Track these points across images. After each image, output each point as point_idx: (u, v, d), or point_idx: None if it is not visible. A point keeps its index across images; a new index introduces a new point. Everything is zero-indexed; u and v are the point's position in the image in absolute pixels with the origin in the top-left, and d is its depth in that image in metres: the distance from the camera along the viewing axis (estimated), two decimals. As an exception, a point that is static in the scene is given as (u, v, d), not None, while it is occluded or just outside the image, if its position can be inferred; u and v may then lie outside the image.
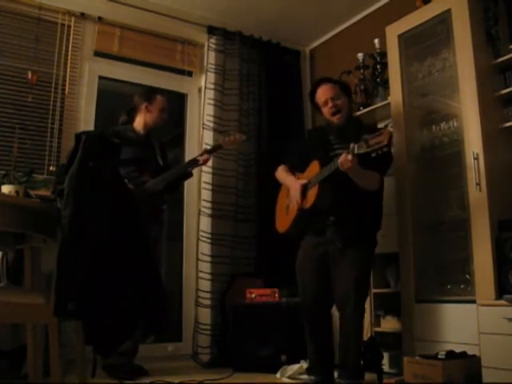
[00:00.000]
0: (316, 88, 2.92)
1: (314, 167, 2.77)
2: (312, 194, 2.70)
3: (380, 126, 3.77)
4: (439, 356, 2.55)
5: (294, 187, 2.81)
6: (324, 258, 2.74)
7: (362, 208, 2.69)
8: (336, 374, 2.72)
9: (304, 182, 2.76)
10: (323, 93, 2.85)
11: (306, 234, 2.86)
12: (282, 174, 3.01)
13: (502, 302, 2.48)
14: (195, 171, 3.90)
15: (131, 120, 3.31)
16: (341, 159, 2.48)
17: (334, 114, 2.81)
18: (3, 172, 2.56)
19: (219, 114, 4.08)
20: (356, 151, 2.41)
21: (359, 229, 2.70)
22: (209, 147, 3.58)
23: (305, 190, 2.76)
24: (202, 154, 3.32)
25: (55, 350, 1.91)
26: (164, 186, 3.17)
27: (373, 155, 2.35)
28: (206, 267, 3.81)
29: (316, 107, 2.95)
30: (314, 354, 2.78)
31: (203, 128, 4.04)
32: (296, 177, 2.88)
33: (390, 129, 2.36)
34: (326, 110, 2.84)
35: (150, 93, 3.33)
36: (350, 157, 2.43)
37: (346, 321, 2.62)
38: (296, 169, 2.93)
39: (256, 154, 4.19)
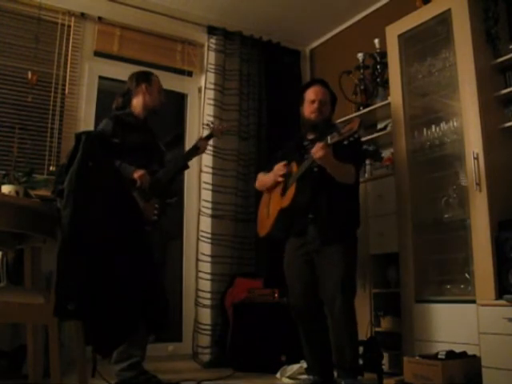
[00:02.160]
0: (312, 84, 2.96)
1: (292, 168, 2.81)
2: (290, 192, 2.74)
3: (380, 126, 3.78)
4: (439, 356, 2.55)
5: (276, 169, 2.87)
6: (308, 258, 2.75)
7: (340, 205, 2.73)
8: (335, 374, 2.73)
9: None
10: (315, 92, 2.89)
11: (288, 236, 2.87)
12: (261, 177, 3.07)
13: (502, 302, 2.48)
14: (195, 171, 3.90)
15: (126, 104, 3.10)
16: (314, 149, 2.56)
17: (314, 115, 2.86)
18: (3, 172, 2.56)
19: (219, 114, 4.08)
20: (329, 141, 2.51)
21: (338, 225, 2.72)
22: (204, 135, 3.46)
23: (282, 191, 2.82)
24: (199, 141, 3.20)
25: (55, 350, 1.91)
26: (171, 176, 3.07)
27: (345, 142, 2.47)
28: (205, 267, 3.81)
29: (300, 100, 2.96)
30: (309, 355, 2.78)
31: (203, 128, 4.04)
32: None
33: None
34: (309, 108, 2.88)
35: (146, 74, 3.16)
36: (321, 144, 2.51)
37: (335, 320, 2.61)
38: None
39: (256, 153, 4.20)
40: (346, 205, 2.78)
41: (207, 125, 3.44)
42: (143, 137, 3.02)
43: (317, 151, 2.53)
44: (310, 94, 2.90)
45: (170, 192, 3.11)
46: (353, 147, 2.66)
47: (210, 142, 3.43)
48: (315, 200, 2.73)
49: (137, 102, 3.07)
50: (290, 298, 2.86)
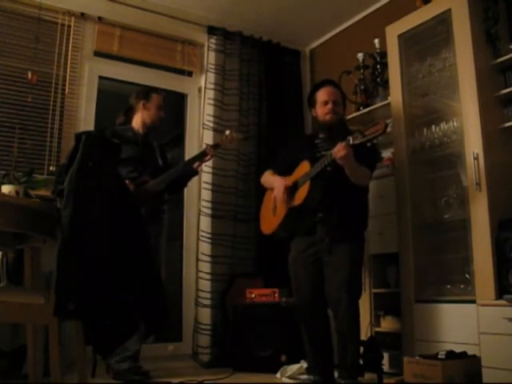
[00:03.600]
0: (322, 86, 2.93)
1: (303, 166, 2.79)
2: (303, 191, 2.72)
3: (380, 126, 3.78)
4: (439, 356, 2.55)
5: (278, 187, 2.84)
6: (315, 258, 2.75)
7: (349, 206, 2.72)
8: (336, 374, 2.73)
9: (289, 183, 2.80)
10: (328, 93, 2.87)
11: (295, 235, 2.87)
12: (267, 176, 3.04)
13: (502, 302, 2.48)
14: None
15: (129, 120, 3.29)
16: (335, 148, 2.52)
17: (329, 116, 2.84)
18: (3, 172, 2.56)
19: (219, 113, 4.08)
20: (351, 142, 2.48)
21: (347, 225, 2.72)
22: (210, 144, 3.53)
23: (291, 190, 2.79)
24: (206, 150, 3.27)
25: (55, 350, 1.91)
26: (165, 186, 3.15)
27: (368, 144, 2.47)
28: (206, 267, 3.81)
29: (310, 103, 2.96)
30: (311, 354, 2.78)
31: (203, 128, 4.04)
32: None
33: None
34: (323, 110, 2.86)
35: (146, 91, 3.32)
36: (343, 144, 2.49)
37: (340, 320, 2.62)
38: (283, 174, 2.93)
39: (256, 153, 4.20)
40: (356, 205, 2.77)
41: (220, 131, 3.51)
42: (139, 151, 3.15)
43: (339, 150, 2.51)
44: (323, 95, 2.88)
45: (158, 201, 3.18)
46: (369, 150, 2.64)
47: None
48: (326, 199, 2.71)
49: (136, 118, 3.26)
50: (295, 296, 2.85)
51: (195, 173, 3.33)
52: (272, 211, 2.94)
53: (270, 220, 2.95)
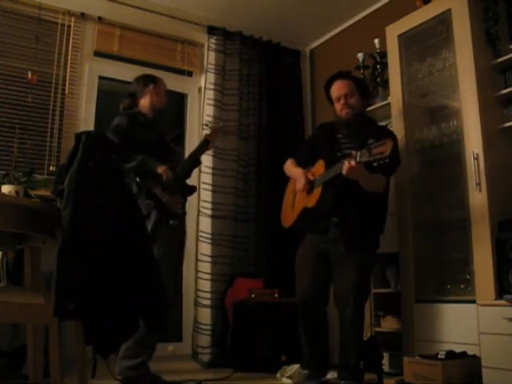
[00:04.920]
0: (332, 81, 2.91)
1: (319, 167, 2.78)
2: (315, 194, 2.72)
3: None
4: (439, 356, 2.55)
5: (299, 180, 2.82)
6: (324, 256, 2.75)
7: (366, 210, 2.68)
8: (336, 374, 2.73)
9: (310, 177, 2.78)
10: (338, 88, 2.85)
11: (309, 231, 2.86)
12: (289, 166, 3.00)
13: (502, 302, 2.49)
14: (195, 172, 3.89)
15: (134, 104, 3.16)
16: (344, 167, 2.49)
17: (344, 112, 2.82)
18: (3, 172, 2.56)
19: (219, 114, 4.08)
20: (358, 159, 2.44)
21: (362, 231, 2.69)
22: (207, 132, 3.48)
23: (310, 184, 2.77)
24: (208, 136, 3.23)
25: (55, 350, 1.91)
26: (187, 172, 3.12)
27: (374, 164, 2.39)
28: (205, 267, 3.81)
29: (329, 100, 2.95)
30: (307, 350, 2.79)
31: (203, 128, 4.04)
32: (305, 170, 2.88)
33: (391, 138, 2.42)
34: (338, 106, 2.84)
35: (152, 76, 3.24)
36: (352, 162, 2.45)
37: (345, 322, 2.62)
38: (305, 164, 2.92)
39: (256, 154, 4.19)
40: (373, 211, 2.72)
41: (206, 125, 3.48)
42: (154, 135, 3.07)
43: (346, 168, 2.47)
44: (334, 91, 2.86)
45: (189, 188, 3.15)
46: None
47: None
48: (341, 204, 2.69)
49: (144, 103, 3.13)
50: (298, 291, 2.83)
51: (199, 163, 3.33)
52: (291, 204, 2.94)
53: (289, 214, 2.95)
